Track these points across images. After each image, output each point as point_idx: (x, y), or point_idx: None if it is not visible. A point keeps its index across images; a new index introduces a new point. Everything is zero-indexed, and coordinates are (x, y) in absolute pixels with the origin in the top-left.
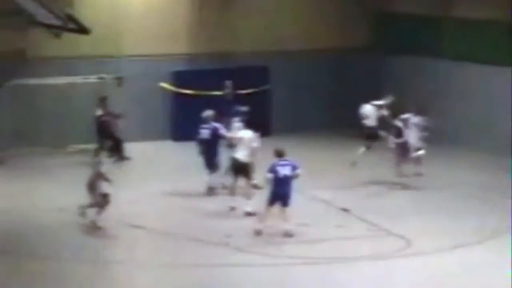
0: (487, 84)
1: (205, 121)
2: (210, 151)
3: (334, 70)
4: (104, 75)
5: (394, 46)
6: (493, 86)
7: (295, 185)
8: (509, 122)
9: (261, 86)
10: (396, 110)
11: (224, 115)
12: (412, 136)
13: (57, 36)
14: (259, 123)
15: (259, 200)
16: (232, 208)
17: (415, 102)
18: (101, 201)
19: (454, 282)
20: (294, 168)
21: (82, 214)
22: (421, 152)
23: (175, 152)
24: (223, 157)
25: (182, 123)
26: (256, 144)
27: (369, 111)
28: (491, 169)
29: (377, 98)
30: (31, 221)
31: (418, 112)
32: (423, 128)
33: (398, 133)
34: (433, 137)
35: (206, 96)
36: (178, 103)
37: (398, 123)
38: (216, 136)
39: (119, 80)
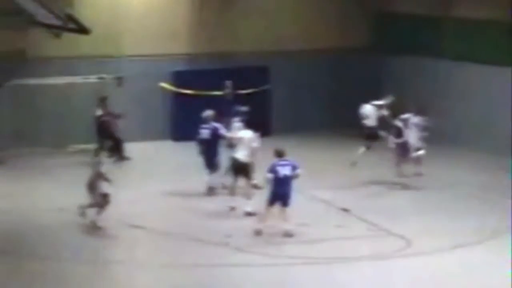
0: (487, 84)
1: (205, 121)
2: (210, 151)
3: (334, 70)
4: (104, 75)
5: (394, 46)
6: (493, 86)
7: (295, 185)
8: (509, 122)
9: (261, 86)
10: (396, 110)
11: (224, 115)
12: (412, 136)
13: (57, 36)
14: (259, 123)
15: (259, 200)
16: (232, 208)
17: (415, 102)
18: (101, 201)
19: (454, 282)
20: (294, 168)
21: (82, 214)
22: (421, 152)
23: (175, 152)
24: (223, 157)
25: (182, 123)
26: (256, 144)
27: (369, 111)
28: (491, 169)
29: (377, 98)
30: (31, 221)
31: (418, 112)
32: (423, 128)
33: (398, 133)
34: (433, 137)
35: (206, 96)
36: (178, 103)
37: (398, 123)
38: (216, 136)
39: (119, 80)
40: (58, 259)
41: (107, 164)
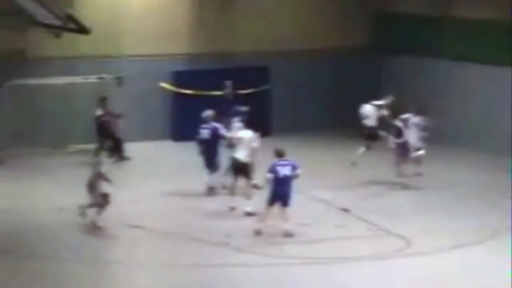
0: (487, 84)
1: (205, 121)
2: (210, 151)
3: (334, 70)
4: (104, 75)
5: (394, 46)
6: (493, 86)
7: (295, 185)
8: (509, 122)
9: (261, 86)
10: (396, 110)
11: (224, 115)
12: (412, 136)
13: (57, 36)
14: (259, 123)
15: (259, 200)
16: (232, 208)
17: (415, 102)
18: (101, 201)
19: (454, 282)
20: (294, 168)
21: (82, 214)
22: (421, 152)
23: (175, 152)
24: (223, 157)
25: (182, 123)
26: (256, 144)
27: (369, 111)
28: (491, 169)
29: (377, 98)
30: (31, 221)
31: (418, 112)
32: (423, 128)
33: (398, 133)
34: (433, 137)
35: (206, 96)
36: (178, 103)
37: (398, 123)
38: (216, 136)
39: (119, 80)
40: (58, 259)
41: (107, 164)
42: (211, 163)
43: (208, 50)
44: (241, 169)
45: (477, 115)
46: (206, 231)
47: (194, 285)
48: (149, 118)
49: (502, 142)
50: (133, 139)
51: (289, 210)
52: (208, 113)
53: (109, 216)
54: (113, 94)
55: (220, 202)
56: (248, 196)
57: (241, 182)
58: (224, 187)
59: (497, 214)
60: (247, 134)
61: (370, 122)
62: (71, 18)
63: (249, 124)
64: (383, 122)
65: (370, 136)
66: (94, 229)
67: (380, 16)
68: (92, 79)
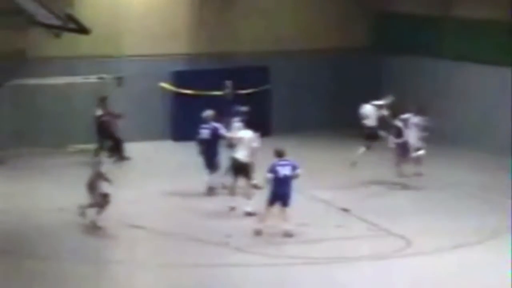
0: (487, 84)
1: (205, 121)
2: (210, 151)
3: (334, 70)
4: (104, 75)
5: (394, 46)
6: (493, 86)
7: (295, 185)
8: (509, 122)
9: (261, 86)
10: (396, 110)
11: (224, 115)
12: (412, 136)
13: (57, 36)
14: (259, 123)
15: (259, 200)
16: (232, 208)
17: (415, 102)
18: (101, 201)
19: (454, 282)
20: (294, 168)
21: (82, 214)
22: (421, 152)
23: (175, 152)
24: (223, 157)
25: (182, 123)
26: (256, 144)
27: (369, 111)
28: (491, 169)
29: (377, 98)
30: (31, 221)
31: (418, 112)
32: (423, 128)
33: (398, 133)
34: (433, 137)
35: (206, 96)
36: (178, 103)
37: (398, 123)
38: (216, 136)
39: (120, 80)
40: (58, 259)
41: (107, 164)
42: (211, 163)
43: (208, 50)
44: (241, 169)
45: (477, 115)
46: (206, 231)
47: (194, 285)
48: (149, 118)
49: (502, 142)
50: (133, 139)
51: (289, 210)
52: (208, 113)
53: (109, 216)
54: (113, 94)
55: (220, 202)
56: (248, 196)
57: (241, 182)
58: (224, 187)
59: (497, 214)
60: (247, 134)
61: (370, 122)
62: (71, 18)
63: (249, 124)
64: (383, 122)
65: (370, 136)
66: (94, 229)
67: (380, 16)
68: (92, 79)
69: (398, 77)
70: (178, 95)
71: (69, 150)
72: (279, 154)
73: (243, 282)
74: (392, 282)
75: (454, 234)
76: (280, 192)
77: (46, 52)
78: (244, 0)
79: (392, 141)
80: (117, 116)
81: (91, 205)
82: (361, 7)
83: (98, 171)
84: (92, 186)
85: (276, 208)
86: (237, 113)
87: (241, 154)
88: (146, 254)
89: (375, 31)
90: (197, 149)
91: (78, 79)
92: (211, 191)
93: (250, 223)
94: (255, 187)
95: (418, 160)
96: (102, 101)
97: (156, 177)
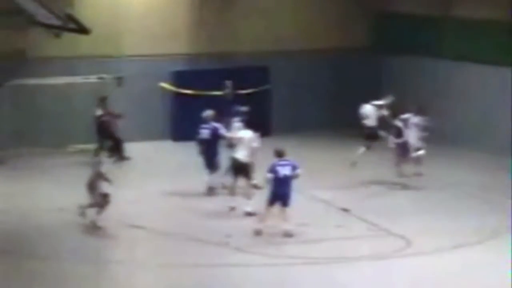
0: (487, 84)
1: (205, 121)
2: (210, 151)
3: (334, 70)
4: (104, 75)
5: (394, 46)
6: (493, 86)
7: (295, 185)
8: (509, 122)
9: (261, 86)
10: (396, 110)
11: (224, 115)
12: (412, 136)
13: (57, 36)
14: (259, 123)
15: (259, 200)
16: (232, 208)
17: (415, 102)
18: (101, 201)
19: (454, 282)
20: (294, 168)
21: (82, 214)
22: (421, 152)
23: (175, 152)
24: (223, 157)
25: (182, 123)
26: (256, 144)
27: (369, 111)
28: (491, 169)
29: (377, 98)
30: (31, 221)
31: (418, 112)
32: (423, 128)
33: (398, 133)
34: (433, 137)
35: (206, 96)
36: (178, 103)
37: (398, 123)
38: (216, 136)
39: (120, 80)
40: (58, 259)
41: (107, 164)
42: (211, 163)
43: (208, 50)
44: (241, 169)
45: (477, 115)
46: (206, 231)
47: (194, 285)
48: (149, 118)
49: (502, 142)
50: (133, 139)
51: (289, 210)
52: (208, 113)
53: (109, 216)
54: (113, 94)
55: (220, 202)
56: (248, 196)
57: (241, 182)
58: (224, 187)
59: (497, 214)
60: (247, 134)
61: (370, 122)
62: (71, 18)
63: (249, 124)
64: (383, 122)
65: (370, 136)
66: (94, 229)
67: (380, 16)
68: (92, 79)
69: (398, 77)
70: (178, 95)
71: (69, 150)
72: (279, 154)
73: (243, 282)
74: (392, 282)
75: (454, 234)
76: (280, 192)
77: (46, 52)
78: (244, 0)
79: (392, 141)
80: (117, 116)
81: (91, 205)
82: (361, 7)
83: (98, 171)
84: (92, 186)
85: (276, 208)
86: (237, 113)
87: (241, 154)
88: (146, 254)
89: (375, 31)
90: (197, 149)
91: (78, 79)
92: (211, 191)
93: (250, 223)
94: (255, 187)
95: (418, 160)
96: (102, 101)
97: (156, 177)
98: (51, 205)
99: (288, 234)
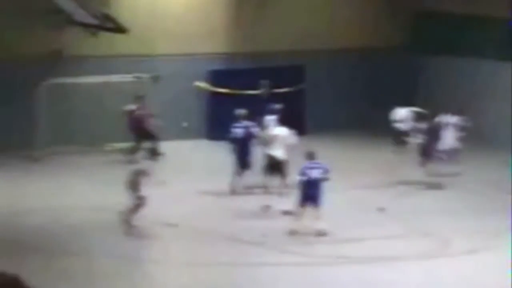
0: None
1: (238, 119)
2: (243, 150)
3: (369, 69)
4: (140, 74)
5: (432, 45)
6: None
7: (329, 184)
8: None
9: (296, 85)
10: (431, 110)
11: (258, 113)
12: (449, 136)
13: (94, 35)
14: (294, 122)
15: (293, 199)
16: (267, 207)
17: (452, 102)
18: (139, 202)
19: (495, 282)
20: (324, 171)
21: (125, 221)
22: (457, 152)
23: (210, 151)
24: (257, 156)
25: (217, 122)
26: (292, 140)
27: (403, 114)
28: None
29: (413, 99)
30: (64, 219)
31: (455, 112)
32: (461, 128)
33: (431, 133)
34: (471, 137)
35: (242, 95)
36: (214, 102)
37: (433, 124)
38: (249, 135)
39: (156, 78)
40: (91, 257)
41: (143, 162)
42: (244, 162)
43: (244, 49)
44: (276, 167)
45: None
46: (241, 230)
47: (229, 284)
48: (185, 117)
49: None
50: (169, 138)
51: (322, 209)
52: (241, 111)
53: (144, 215)
54: (149, 93)
55: (255, 201)
56: (283, 195)
57: (276, 180)
58: (259, 185)
59: None
60: (282, 131)
61: (403, 125)
62: (108, 18)
63: (284, 123)
64: (414, 126)
65: (402, 136)
66: (128, 227)
67: (417, 15)
68: (129, 78)
69: (435, 77)
70: (214, 94)
71: (106, 149)
72: (310, 156)
73: (280, 282)
74: (435, 282)
75: (489, 234)
76: (310, 194)
77: (82, 51)
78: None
79: (419, 141)
80: (150, 115)
81: (131, 210)
82: (397, 5)
83: (139, 169)
84: (133, 185)
85: (308, 208)
86: (272, 111)
87: (276, 152)
88: (181, 253)
89: (412, 30)
90: (230, 148)
91: (114, 78)
92: (245, 189)
93: (286, 222)
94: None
95: (454, 160)
96: (138, 99)
97: (192, 176)
98: (85, 204)
99: (321, 233)
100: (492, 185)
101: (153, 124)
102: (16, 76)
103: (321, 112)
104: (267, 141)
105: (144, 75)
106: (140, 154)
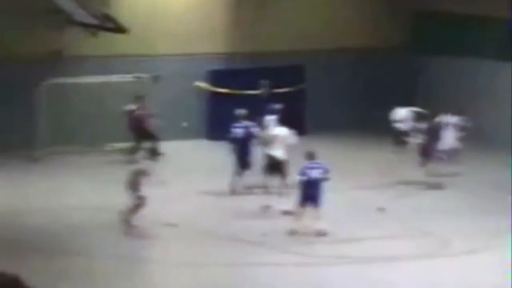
0: None
1: (238, 119)
2: (243, 150)
3: (370, 69)
4: (140, 74)
5: (431, 45)
6: None
7: (329, 184)
8: None
9: (296, 86)
10: (432, 110)
11: (258, 113)
12: (449, 137)
13: (94, 35)
14: (294, 122)
15: (293, 199)
16: (267, 207)
17: (452, 102)
18: (139, 202)
19: (495, 282)
20: (324, 171)
21: (125, 221)
22: (457, 152)
23: (210, 151)
24: (257, 156)
25: (217, 122)
26: (292, 140)
27: (403, 114)
28: None
29: (412, 99)
30: (64, 219)
31: (456, 112)
32: (461, 128)
33: (431, 133)
34: (471, 137)
35: (242, 95)
36: (214, 102)
37: (433, 124)
38: (249, 135)
39: (156, 78)
40: (91, 256)
41: (143, 162)
42: (243, 162)
43: (244, 50)
44: (276, 167)
45: None
46: (241, 230)
47: (229, 284)
48: (185, 117)
49: None
50: (169, 137)
51: (322, 209)
52: (241, 111)
53: (144, 215)
54: (149, 93)
55: (255, 201)
56: (283, 195)
57: (276, 180)
58: (259, 185)
59: None
60: (282, 131)
61: (403, 125)
62: (108, 18)
63: (284, 123)
64: (414, 126)
65: (402, 137)
66: (128, 227)
67: (417, 15)
68: (129, 78)
69: (435, 77)
70: (214, 94)
71: (106, 149)
72: (310, 157)
73: (280, 282)
74: (434, 282)
75: (489, 234)
76: (310, 194)
77: (82, 51)
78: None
79: (419, 141)
80: (150, 115)
81: (130, 210)
82: (397, 5)
83: (139, 169)
84: (133, 185)
85: (308, 208)
86: (272, 111)
87: (276, 152)
88: (181, 252)
89: (412, 30)
90: (230, 148)
91: (114, 78)
92: (245, 190)
93: (286, 222)
94: (287, 187)
95: (455, 159)
96: (138, 99)
97: (191, 175)
98: (85, 204)
99: (321, 233)
100: (492, 185)
101: (153, 124)
102: (16, 76)
103: (321, 112)
104: (267, 141)
105: (144, 75)
106: (140, 154)
